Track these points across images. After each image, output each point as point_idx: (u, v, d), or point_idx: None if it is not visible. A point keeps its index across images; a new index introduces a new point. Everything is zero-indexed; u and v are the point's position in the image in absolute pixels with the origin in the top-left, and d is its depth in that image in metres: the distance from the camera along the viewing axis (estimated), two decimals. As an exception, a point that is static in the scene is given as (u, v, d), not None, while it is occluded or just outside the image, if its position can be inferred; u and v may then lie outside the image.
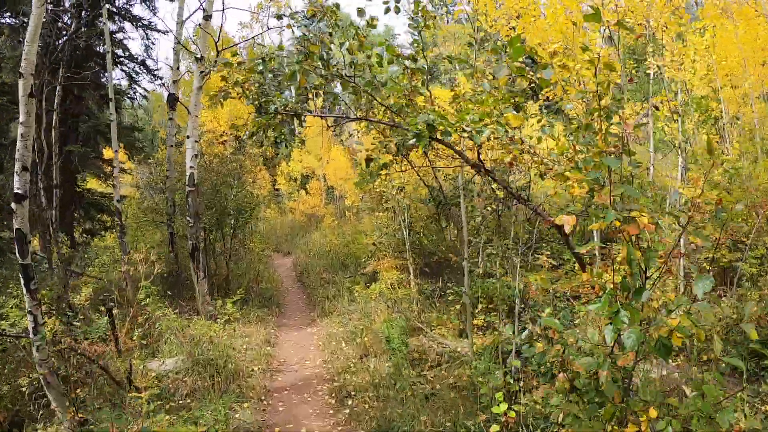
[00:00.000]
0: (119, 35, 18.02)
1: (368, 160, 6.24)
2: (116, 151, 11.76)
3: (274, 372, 8.01)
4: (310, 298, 12.62)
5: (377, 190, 10.09)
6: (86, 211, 16.90)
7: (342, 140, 35.63)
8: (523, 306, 7.51)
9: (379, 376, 6.97)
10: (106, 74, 19.38)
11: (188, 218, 10.30)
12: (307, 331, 10.29)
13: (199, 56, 10.71)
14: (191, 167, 10.23)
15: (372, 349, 8.11)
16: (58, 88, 14.27)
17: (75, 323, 7.82)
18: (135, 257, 9.07)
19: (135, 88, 19.54)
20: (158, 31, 18.05)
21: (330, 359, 8.27)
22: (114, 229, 16.42)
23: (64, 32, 15.98)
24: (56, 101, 13.95)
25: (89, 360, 7.12)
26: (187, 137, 10.42)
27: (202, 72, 10.63)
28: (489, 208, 8.64)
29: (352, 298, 10.72)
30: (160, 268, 8.95)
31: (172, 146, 12.96)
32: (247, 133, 5.08)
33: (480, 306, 7.94)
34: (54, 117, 14.04)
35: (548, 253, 7.39)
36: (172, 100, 12.93)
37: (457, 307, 7.95)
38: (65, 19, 16.52)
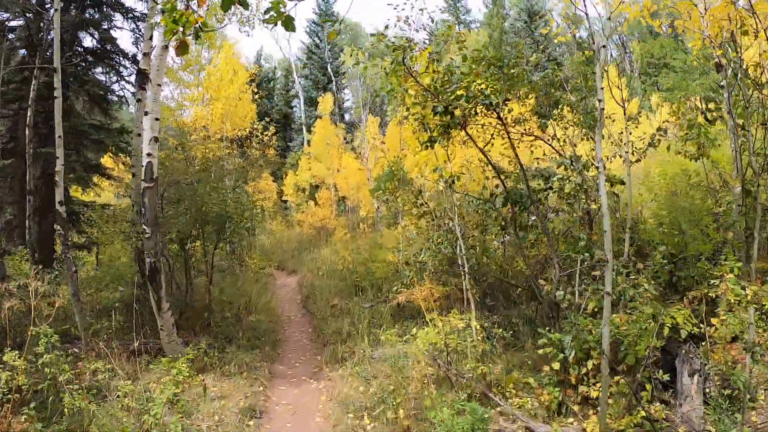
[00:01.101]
0: (105, 24, 15.86)
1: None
2: (59, 137, 8.84)
3: (256, 472, 4.95)
4: (318, 333, 9.56)
5: (411, 187, 7.08)
6: (73, 222, 14.28)
7: (354, 147, 32.89)
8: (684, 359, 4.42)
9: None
10: (94, 70, 17.04)
11: (144, 226, 7.39)
12: (311, 386, 7.23)
13: (166, 6, 7.87)
14: (149, 154, 7.35)
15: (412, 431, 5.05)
16: (33, 81, 12.20)
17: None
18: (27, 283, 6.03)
19: (124, 86, 17.20)
20: (151, 24, 15.46)
21: (346, 447, 5.20)
22: (92, 245, 13.91)
23: (50, 28, 14.47)
24: (31, 96, 11.77)
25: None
26: (145, 114, 7.56)
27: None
28: (587, 205, 5.61)
29: (375, 339, 7.68)
30: (57, 301, 6.03)
31: (140, 135, 10.05)
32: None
33: (590, 363, 4.85)
34: (29, 113, 11.67)
35: (732, 269, 4.33)
36: (142, 78, 10.02)
37: (554, 366, 4.86)
38: (51, 11, 14.74)
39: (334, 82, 40.65)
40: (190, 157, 11.01)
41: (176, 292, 9.83)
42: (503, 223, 5.98)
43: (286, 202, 33.65)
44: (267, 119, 19.94)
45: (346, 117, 43.13)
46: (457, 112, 5.13)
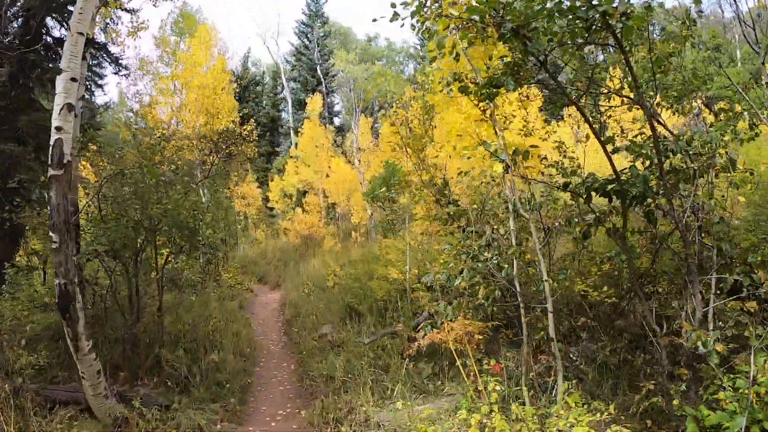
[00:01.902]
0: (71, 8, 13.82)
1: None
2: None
3: None
4: (301, 376, 7.30)
5: (432, 172, 4.89)
6: (33, 229, 11.99)
7: (344, 150, 30.78)
8: None
9: None
10: (61, 62, 15.01)
11: (51, 233, 5.15)
12: (290, 465, 5.01)
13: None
14: (58, 128, 5.13)
15: None
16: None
17: None
18: None
19: (95, 79, 15.17)
20: (127, 11, 13.29)
21: None
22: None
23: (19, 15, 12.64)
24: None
25: None
26: (59, 72, 5.34)
27: (97, -43, 5.62)
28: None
29: (382, 389, 5.50)
30: None
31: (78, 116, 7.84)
32: None
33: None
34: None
35: None
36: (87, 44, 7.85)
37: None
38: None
39: (323, 84, 38.61)
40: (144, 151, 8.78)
41: (120, 321, 7.57)
42: (588, 228, 3.87)
43: (272, 209, 31.39)
44: (243, 113, 17.68)
45: (336, 121, 41.04)
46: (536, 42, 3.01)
